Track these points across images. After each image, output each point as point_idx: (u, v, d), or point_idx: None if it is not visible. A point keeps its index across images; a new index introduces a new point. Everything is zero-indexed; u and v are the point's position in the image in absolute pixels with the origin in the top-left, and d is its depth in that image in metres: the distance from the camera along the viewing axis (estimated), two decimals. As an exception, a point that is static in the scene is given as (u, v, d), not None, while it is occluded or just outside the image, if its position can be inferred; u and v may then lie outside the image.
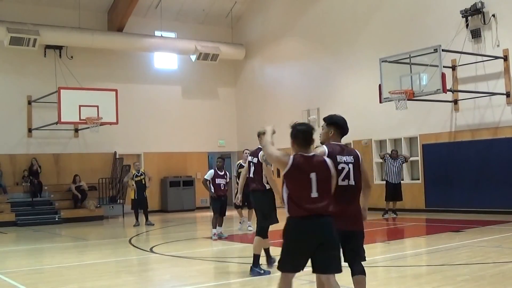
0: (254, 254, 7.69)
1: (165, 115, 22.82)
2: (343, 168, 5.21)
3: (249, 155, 8.30)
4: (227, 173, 12.49)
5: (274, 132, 5.19)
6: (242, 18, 24.56)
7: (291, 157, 4.79)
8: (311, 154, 4.86)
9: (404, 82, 14.31)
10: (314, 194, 4.73)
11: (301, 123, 5.02)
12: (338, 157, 5.19)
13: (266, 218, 7.74)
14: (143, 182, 16.48)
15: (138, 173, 16.59)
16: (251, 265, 7.68)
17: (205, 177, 12.26)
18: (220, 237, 12.15)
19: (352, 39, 19.54)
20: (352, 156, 5.29)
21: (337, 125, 5.40)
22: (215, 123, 24.02)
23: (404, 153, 17.13)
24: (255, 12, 23.88)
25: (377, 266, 8.09)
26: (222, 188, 12.18)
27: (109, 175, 20.82)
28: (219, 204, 12.18)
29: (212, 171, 12.29)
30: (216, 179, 12.09)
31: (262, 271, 7.63)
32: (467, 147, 16.08)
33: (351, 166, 5.25)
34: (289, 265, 4.80)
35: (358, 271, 5.16)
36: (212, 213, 12.33)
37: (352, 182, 5.24)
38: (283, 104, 22.32)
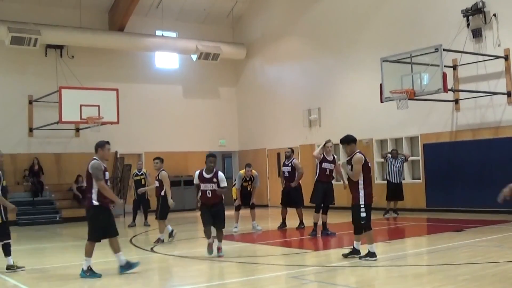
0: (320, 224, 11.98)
1: (166, 115, 22.82)
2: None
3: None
4: (219, 175, 9.47)
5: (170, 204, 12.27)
6: (243, 18, 24.56)
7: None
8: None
9: (405, 81, 14.30)
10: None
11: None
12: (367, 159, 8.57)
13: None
14: (143, 182, 16.34)
15: (139, 172, 16.52)
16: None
17: (194, 181, 9.83)
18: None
19: (353, 38, 19.53)
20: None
21: (355, 141, 8.75)
22: (216, 123, 24.02)
23: (405, 152, 17.12)
24: (256, 12, 23.87)
25: (378, 265, 8.08)
26: (209, 196, 9.38)
27: (110, 175, 20.77)
28: (208, 215, 9.48)
29: (197, 173, 9.63)
30: (201, 184, 9.44)
31: (330, 233, 11.80)
32: (468, 146, 16.07)
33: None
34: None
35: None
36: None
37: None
38: (284, 103, 22.33)
